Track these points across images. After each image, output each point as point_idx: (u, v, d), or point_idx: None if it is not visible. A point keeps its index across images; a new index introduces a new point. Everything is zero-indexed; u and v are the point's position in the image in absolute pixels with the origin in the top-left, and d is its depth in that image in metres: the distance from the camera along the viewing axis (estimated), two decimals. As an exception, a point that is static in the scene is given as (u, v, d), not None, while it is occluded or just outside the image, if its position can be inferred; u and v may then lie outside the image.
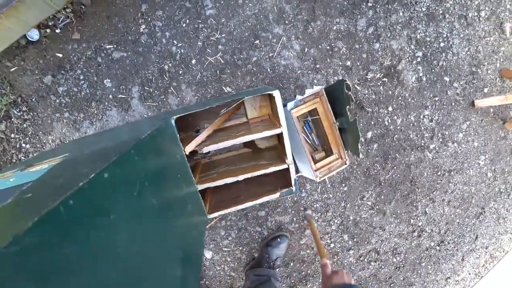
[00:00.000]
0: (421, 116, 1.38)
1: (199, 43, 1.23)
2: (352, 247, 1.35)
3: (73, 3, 1.19)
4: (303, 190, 1.30)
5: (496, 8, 1.49)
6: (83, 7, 1.20)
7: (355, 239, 1.35)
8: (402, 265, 1.42)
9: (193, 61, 1.23)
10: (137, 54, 1.23)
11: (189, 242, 0.73)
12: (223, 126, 1.15)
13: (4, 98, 1.25)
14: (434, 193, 1.43)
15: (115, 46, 1.22)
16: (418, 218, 1.41)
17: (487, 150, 1.53)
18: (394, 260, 1.41)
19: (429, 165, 1.41)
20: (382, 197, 1.36)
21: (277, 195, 0.93)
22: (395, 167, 1.36)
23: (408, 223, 1.40)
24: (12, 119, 1.29)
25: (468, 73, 1.45)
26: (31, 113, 1.29)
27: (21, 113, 1.29)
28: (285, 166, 0.97)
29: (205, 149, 0.93)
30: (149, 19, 1.22)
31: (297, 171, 1.29)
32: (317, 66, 1.28)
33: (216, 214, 0.98)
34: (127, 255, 0.41)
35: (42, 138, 1.32)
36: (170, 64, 1.23)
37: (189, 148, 0.92)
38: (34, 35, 1.20)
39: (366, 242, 1.36)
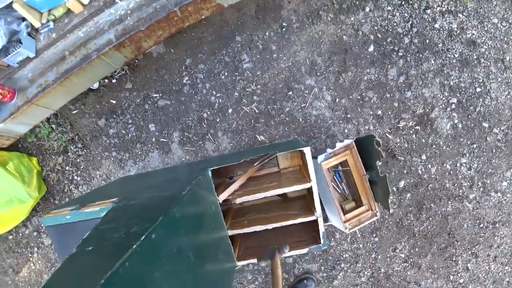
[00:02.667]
0: (458, 164, 1.44)
1: (236, 94, 1.44)
2: (384, 302, 1.39)
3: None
4: (332, 239, 1.39)
5: None
6: (136, 61, 1.48)
7: (387, 294, 1.40)
8: (442, 326, 1.42)
9: (230, 110, 1.44)
10: (180, 102, 1.46)
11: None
12: (255, 175, 1.31)
13: (64, 135, 1.54)
14: (476, 247, 1.44)
15: (161, 95, 1.47)
16: (459, 275, 1.42)
17: None
18: (433, 319, 1.41)
19: (469, 216, 1.44)
20: (417, 249, 1.40)
21: (305, 250, 1.04)
22: (430, 218, 1.41)
23: (447, 279, 1.41)
24: (69, 154, 1.57)
25: (510, 118, 1.50)
26: (85, 150, 1.56)
27: (77, 149, 1.56)
28: (313, 218, 1.09)
29: (238, 200, 1.08)
30: (192, 72, 1.46)
31: (326, 220, 1.40)
32: (348, 116, 1.42)
33: (244, 262, 1.11)
34: None
35: (91, 172, 1.58)
36: (208, 113, 1.45)
37: (223, 197, 1.08)
38: (95, 84, 1.50)
39: (399, 298, 1.40)
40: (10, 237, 1.63)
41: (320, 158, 1.23)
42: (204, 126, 1.44)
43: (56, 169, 1.60)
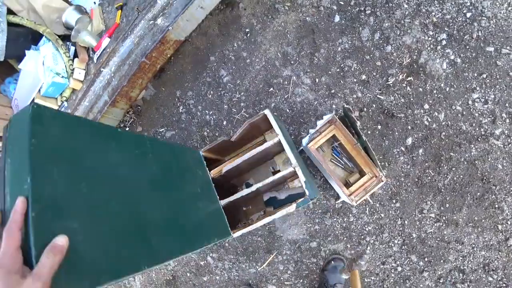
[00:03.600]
0: (470, 102, 1.32)
1: (225, 107, 1.61)
2: (426, 269, 1.32)
3: (132, 106, 1.78)
4: (350, 215, 1.41)
5: None
6: (139, 107, 1.78)
7: (426, 259, 1.32)
8: (505, 285, 1.27)
9: (224, 122, 1.61)
10: (182, 129, 1.70)
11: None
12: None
13: None
14: (524, 186, 1.28)
15: (165, 128, 1.73)
16: (509, 222, 1.27)
17: None
18: (490, 279, 1.28)
19: (503, 154, 1.28)
20: (448, 205, 1.31)
21: (293, 206, 1.09)
22: (453, 168, 1.32)
23: (496, 230, 1.27)
24: None
25: (523, 31, 1.31)
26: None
27: None
28: (291, 170, 1.13)
29: (224, 168, 1.21)
30: (184, 101, 1.69)
31: (338, 198, 1.43)
32: (332, 91, 1.45)
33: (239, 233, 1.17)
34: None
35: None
36: (208, 130, 1.65)
37: (213, 172, 1.22)
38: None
39: (442, 261, 1.31)
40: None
41: (304, 141, 1.30)
42: (207, 142, 1.64)
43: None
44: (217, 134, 1.64)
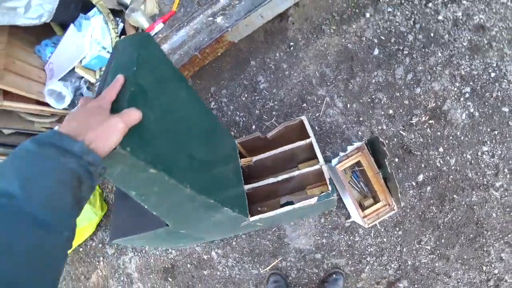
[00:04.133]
0: (479, 153, 1.50)
1: (257, 112, 1.69)
2: (415, 293, 1.50)
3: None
4: (356, 234, 1.55)
5: None
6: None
7: (416, 286, 1.49)
8: (480, 316, 1.47)
9: (253, 127, 1.69)
10: (208, 124, 1.76)
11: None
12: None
13: None
14: (509, 236, 1.48)
15: (192, 120, 1.79)
16: (493, 265, 1.46)
17: None
18: (469, 309, 1.47)
19: (498, 205, 1.48)
20: (443, 241, 1.49)
21: (314, 199, 1.21)
22: (454, 209, 1.49)
23: (480, 270, 1.47)
24: None
25: (535, 100, 1.52)
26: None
27: None
28: (318, 167, 1.26)
29: (254, 158, 1.33)
30: (217, 97, 1.76)
31: (348, 217, 1.56)
32: (360, 119, 1.58)
33: (257, 217, 1.28)
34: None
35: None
36: (235, 131, 1.72)
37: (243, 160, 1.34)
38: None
39: (431, 288, 1.49)
40: (81, 249, 2.05)
41: (334, 161, 1.42)
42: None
43: (113, 191, 2.00)
44: (243, 136, 1.72)
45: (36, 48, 1.56)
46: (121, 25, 1.51)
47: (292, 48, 1.67)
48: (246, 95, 1.71)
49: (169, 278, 1.81)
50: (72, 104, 1.54)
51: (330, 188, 1.19)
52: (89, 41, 1.42)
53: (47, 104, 1.51)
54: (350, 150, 1.41)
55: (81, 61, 1.46)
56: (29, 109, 1.48)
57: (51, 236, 0.38)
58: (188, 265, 1.75)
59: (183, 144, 0.83)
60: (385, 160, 1.30)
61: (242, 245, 1.65)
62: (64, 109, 1.53)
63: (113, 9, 1.53)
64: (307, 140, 1.31)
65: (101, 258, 2.01)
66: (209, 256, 1.70)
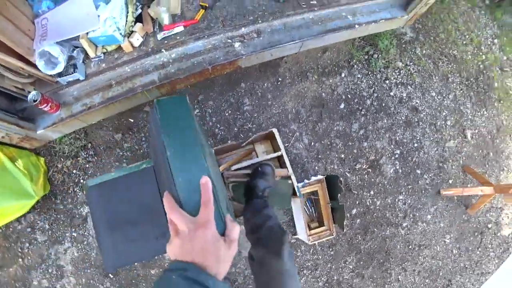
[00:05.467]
0: (396, 200, 2.07)
1: (235, 129, 1.93)
2: (335, 303, 1.92)
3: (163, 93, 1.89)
4: (299, 250, 1.90)
5: (459, 118, 2.28)
6: (164, 95, 1.91)
7: (337, 296, 1.93)
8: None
9: (229, 142, 1.92)
10: (188, 129, 1.91)
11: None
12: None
13: (77, 141, 1.87)
14: (406, 263, 2.05)
15: (172, 121, 1.90)
16: (392, 284, 2.01)
17: (452, 230, 2.19)
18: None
19: (402, 240, 2.05)
20: (362, 262, 1.97)
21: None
22: (373, 239, 2.00)
23: (383, 287, 2.00)
24: (79, 159, 1.88)
25: (436, 168, 2.18)
26: (96, 158, 1.89)
27: (88, 156, 1.89)
28: (287, 175, 1.57)
29: (233, 167, 1.54)
30: (202, 106, 1.93)
31: (295, 234, 1.91)
32: (319, 156, 1.99)
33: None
34: None
35: (95, 180, 1.92)
36: (211, 141, 1.91)
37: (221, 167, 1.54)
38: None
39: (346, 300, 1.94)
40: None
41: (300, 184, 1.76)
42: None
43: (63, 171, 1.90)
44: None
45: (29, -6, 1.47)
46: (139, 11, 1.57)
47: (279, 82, 2.00)
48: (229, 112, 1.94)
49: (110, 275, 1.81)
50: (60, 74, 1.47)
51: (298, 195, 1.50)
52: (106, 15, 1.43)
53: (29, 62, 1.41)
54: (312, 180, 1.78)
55: (87, 32, 1.45)
56: (9, 63, 1.32)
57: None
58: (136, 263, 1.80)
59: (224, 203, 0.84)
60: (339, 194, 1.70)
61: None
62: (50, 75, 1.46)
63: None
64: (279, 153, 1.60)
65: (27, 245, 1.85)
66: (161, 255, 1.80)
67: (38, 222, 1.87)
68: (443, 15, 2.42)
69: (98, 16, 1.44)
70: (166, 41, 1.55)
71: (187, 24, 1.58)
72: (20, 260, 1.84)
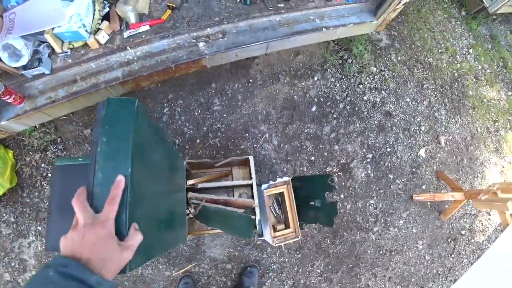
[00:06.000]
0: (367, 204, 2.07)
1: (204, 128, 1.96)
2: (301, 308, 1.89)
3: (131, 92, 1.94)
4: (265, 252, 1.90)
5: (434, 124, 2.31)
6: (134, 92, 1.96)
7: (303, 301, 1.90)
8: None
9: (198, 141, 1.94)
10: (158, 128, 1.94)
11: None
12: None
13: (46, 136, 1.90)
14: (376, 269, 2.03)
15: (142, 119, 1.94)
16: (360, 290, 1.99)
17: (425, 236, 2.17)
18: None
19: (372, 245, 2.04)
20: (330, 267, 1.95)
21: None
22: (342, 243, 1.99)
23: (351, 293, 1.97)
24: (47, 153, 1.91)
25: (409, 173, 2.19)
26: (65, 152, 1.93)
27: (57, 150, 1.92)
28: (253, 206, 1.57)
29: (200, 185, 1.54)
30: (172, 105, 1.97)
31: (261, 235, 1.91)
32: (288, 158, 2.01)
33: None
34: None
35: (64, 177, 1.95)
36: (180, 140, 1.94)
37: (190, 182, 1.55)
38: (85, 102, 1.92)
39: (313, 305, 1.91)
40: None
41: (264, 186, 1.77)
42: (175, 150, 1.93)
43: (31, 165, 1.93)
44: (187, 147, 1.95)
45: (-3, -13, 1.54)
46: (106, 9, 1.64)
47: (250, 84, 2.04)
48: (199, 111, 1.98)
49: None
50: (25, 67, 1.53)
51: (257, 228, 1.50)
52: (72, 12, 1.49)
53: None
54: (278, 181, 1.79)
55: (53, 28, 1.51)
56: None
57: None
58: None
59: (158, 215, 0.86)
60: (328, 193, 1.70)
61: (162, 246, 1.82)
62: (15, 68, 1.51)
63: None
64: (249, 181, 1.62)
65: (-11, 238, 1.87)
66: (125, 252, 1.80)
67: (4, 214, 1.89)
68: (420, 24, 2.48)
69: (64, 12, 1.50)
70: (132, 39, 1.61)
71: (153, 24, 1.64)
72: (-19, 254, 1.85)
